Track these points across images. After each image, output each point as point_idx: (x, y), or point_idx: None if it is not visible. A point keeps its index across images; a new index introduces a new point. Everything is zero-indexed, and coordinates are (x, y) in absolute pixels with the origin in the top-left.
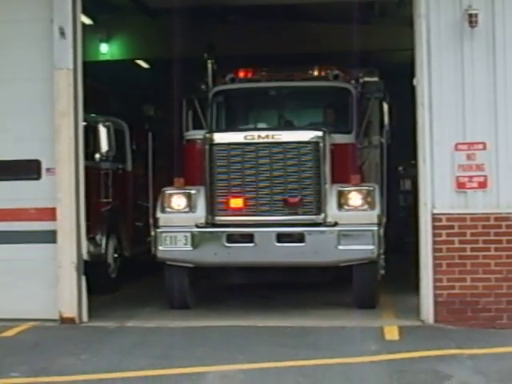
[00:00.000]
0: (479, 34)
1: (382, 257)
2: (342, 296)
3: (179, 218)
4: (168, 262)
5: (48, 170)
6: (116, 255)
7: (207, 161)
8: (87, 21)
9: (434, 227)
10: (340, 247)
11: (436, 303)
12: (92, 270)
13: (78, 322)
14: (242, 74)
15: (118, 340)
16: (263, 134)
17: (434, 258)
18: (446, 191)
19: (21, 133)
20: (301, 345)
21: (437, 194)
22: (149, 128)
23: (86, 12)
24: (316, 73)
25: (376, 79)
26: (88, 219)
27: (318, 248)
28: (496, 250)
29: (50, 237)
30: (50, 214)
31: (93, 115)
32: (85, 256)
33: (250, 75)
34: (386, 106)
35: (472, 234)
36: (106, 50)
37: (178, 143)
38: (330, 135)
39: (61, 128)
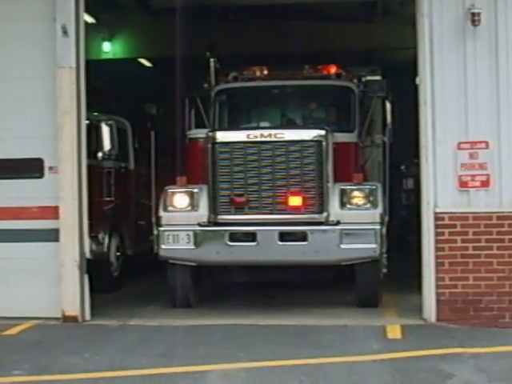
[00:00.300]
0: (482, 33)
1: (385, 255)
2: (345, 295)
3: (182, 217)
4: (170, 261)
5: (51, 168)
6: (118, 254)
7: (210, 159)
8: (90, 19)
9: (437, 226)
10: (342, 246)
11: (438, 302)
12: (94, 269)
13: (80, 321)
14: (249, 72)
15: (120, 338)
16: (266, 132)
17: (437, 256)
18: (448, 190)
19: (23, 131)
20: (303, 343)
21: (439, 193)
22: (151, 127)
23: (88, 11)
24: (318, 71)
25: (378, 78)
26: (90, 218)
27: (321, 247)
28: (498, 248)
29: (52, 235)
30: (52, 212)
31: (95, 114)
32: (87, 254)
33: (259, 73)
34: (388, 105)
35: (474, 233)
36: (109, 49)
37: (181, 142)
38: (333, 134)
39: (63, 126)
